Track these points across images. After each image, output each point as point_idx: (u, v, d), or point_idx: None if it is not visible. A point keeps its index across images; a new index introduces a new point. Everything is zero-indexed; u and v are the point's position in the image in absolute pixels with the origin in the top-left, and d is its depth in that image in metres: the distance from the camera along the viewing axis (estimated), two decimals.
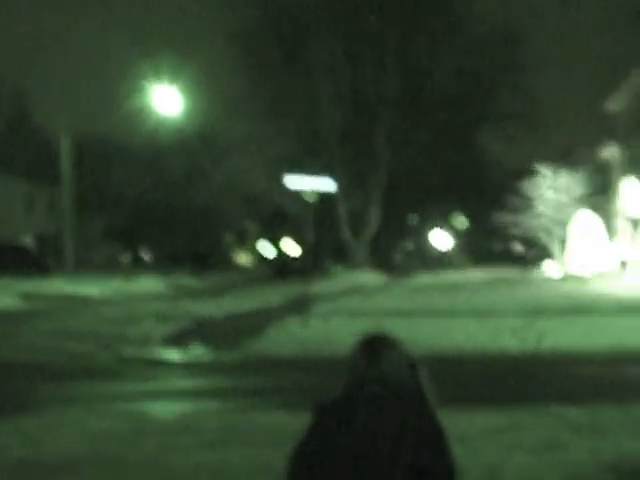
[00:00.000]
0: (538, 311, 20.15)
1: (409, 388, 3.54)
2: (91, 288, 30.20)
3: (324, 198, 37.93)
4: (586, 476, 5.18)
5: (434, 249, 53.78)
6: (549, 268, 40.14)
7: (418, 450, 3.29)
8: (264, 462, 5.74)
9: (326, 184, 27.84)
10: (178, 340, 16.93)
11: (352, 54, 47.09)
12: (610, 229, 40.44)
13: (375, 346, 3.56)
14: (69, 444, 6.49)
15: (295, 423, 7.39)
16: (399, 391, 3.58)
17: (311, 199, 29.71)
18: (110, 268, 41.08)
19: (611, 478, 5.15)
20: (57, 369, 13.40)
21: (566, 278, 35.91)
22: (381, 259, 46.91)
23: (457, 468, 3.55)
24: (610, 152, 41.11)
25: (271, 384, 11.71)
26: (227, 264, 49.08)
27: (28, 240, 46.82)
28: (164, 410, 9.51)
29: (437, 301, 23.98)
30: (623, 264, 37.55)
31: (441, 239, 53.54)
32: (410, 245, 52.86)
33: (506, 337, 15.42)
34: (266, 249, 50.18)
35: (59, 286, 30.19)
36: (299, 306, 21.48)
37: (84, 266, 38.21)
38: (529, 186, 39.47)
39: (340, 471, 3.36)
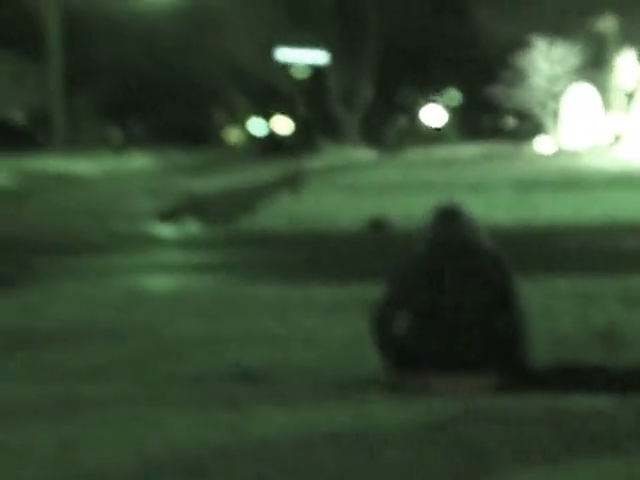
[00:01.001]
0: (531, 185, 20.15)
1: (483, 247, 4.25)
2: (82, 165, 30.05)
3: (315, 73, 37.36)
4: (576, 343, 5.28)
5: (427, 125, 53.36)
6: (542, 142, 39.97)
7: (492, 272, 4.18)
8: (261, 331, 5.83)
9: (318, 57, 27.39)
10: (171, 216, 16.99)
11: None
12: (605, 102, 40.07)
13: (451, 213, 4.28)
14: (67, 314, 6.59)
15: (289, 295, 7.49)
16: (476, 248, 4.22)
17: (302, 74, 29.26)
18: (100, 144, 40.71)
19: (600, 345, 5.24)
20: (52, 244, 13.48)
21: (559, 152, 35.81)
22: (373, 135, 46.55)
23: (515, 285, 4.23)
24: (606, 23, 40.33)
25: (264, 259, 11.81)
26: (218, 140, 48.65)
27: (18, 116, 46.18)
28: (159, 283, 9.61)
29: (430, 176, 23.94)
30: (617, 138, 37.38)
31: (434, 115, 53.07)
32: (403, 120, 52.38)
33: (499, 211, 15.48)
34: (257, 126, 49.67)
35: (50, 163, 30.02)
36: (291, 182, 21.45)
37: (74, 142, 37.86)
38: (523, 59, 38.86)
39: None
